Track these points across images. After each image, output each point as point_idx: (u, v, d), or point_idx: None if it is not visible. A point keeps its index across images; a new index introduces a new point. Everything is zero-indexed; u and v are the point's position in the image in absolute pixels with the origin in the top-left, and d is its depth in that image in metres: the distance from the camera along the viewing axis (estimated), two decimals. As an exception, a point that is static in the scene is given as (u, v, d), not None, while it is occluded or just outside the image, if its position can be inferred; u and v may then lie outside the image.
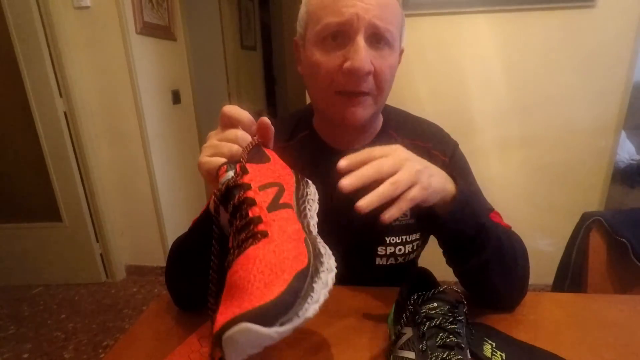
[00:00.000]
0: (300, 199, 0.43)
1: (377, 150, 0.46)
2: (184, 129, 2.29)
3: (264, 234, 0.33)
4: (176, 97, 2.16)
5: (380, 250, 0.65)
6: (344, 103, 0.56)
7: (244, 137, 0.43)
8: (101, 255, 2.05)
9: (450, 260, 0.56)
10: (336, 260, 0.53)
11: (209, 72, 2.66)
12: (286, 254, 0.31)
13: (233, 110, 0.44)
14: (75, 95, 1.78)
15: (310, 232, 0.38)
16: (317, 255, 0.33)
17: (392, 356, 0.44)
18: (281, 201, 0.37)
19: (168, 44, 2.08)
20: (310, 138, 0.67)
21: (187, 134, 2.34)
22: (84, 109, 1.83)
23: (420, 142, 0.67)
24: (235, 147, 0.43)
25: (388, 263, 0.66)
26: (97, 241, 2.02)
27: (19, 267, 2.03)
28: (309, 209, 0.42)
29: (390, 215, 0.43)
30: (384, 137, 0.67)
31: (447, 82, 1.61)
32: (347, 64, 0.52)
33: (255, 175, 0.38)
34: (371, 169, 0.43)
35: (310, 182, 0.48)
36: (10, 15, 1.64)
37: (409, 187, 0.44)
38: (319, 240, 0.37)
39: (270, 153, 0.45)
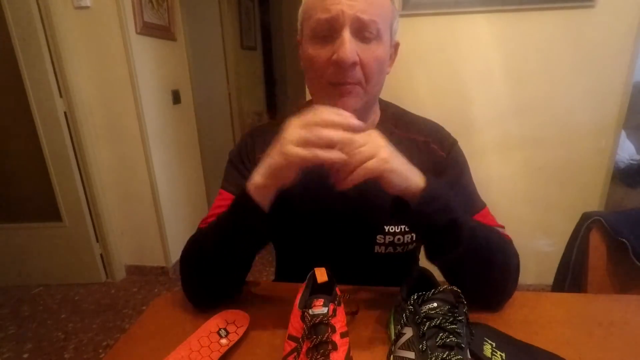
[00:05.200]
0: None
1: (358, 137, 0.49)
2: (184, 129, 2.29)
3: None
4: (176, 97, 2.16)
5: (379, 238, 0.66)
6: (335, 92, 0.59)
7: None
8: (101, 255, 2.05)
9: (426, 253, 0.56)
10: (336, 248, 0.63)
11: (209, 72, 2.65)
12: None
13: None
14: (75, 95, 1.78)
15: None
16: None
17: (392, 356, 0.44)
18: (351, 354, 0.46)
19: (168, 44, 2.08)
20: None
21: (187, 134, 2.34)
22: (84, 109, 1.83)
23: (418, 136, 0.68)
24: (335, 154, 0.46)
25: (386, 252, 0.67)
26: (97, 241, 2.03)
27: (19, 267, 2.03)
28: None
29: (345, 182, 0.47)
30: (382, 131, 0.68)
31: (446, 82, 1.61)
32: (334, 56, 0.56)
33: (338, 319, 0.46)
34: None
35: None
36: (10, 16, 1.64)
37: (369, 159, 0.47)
38: None
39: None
